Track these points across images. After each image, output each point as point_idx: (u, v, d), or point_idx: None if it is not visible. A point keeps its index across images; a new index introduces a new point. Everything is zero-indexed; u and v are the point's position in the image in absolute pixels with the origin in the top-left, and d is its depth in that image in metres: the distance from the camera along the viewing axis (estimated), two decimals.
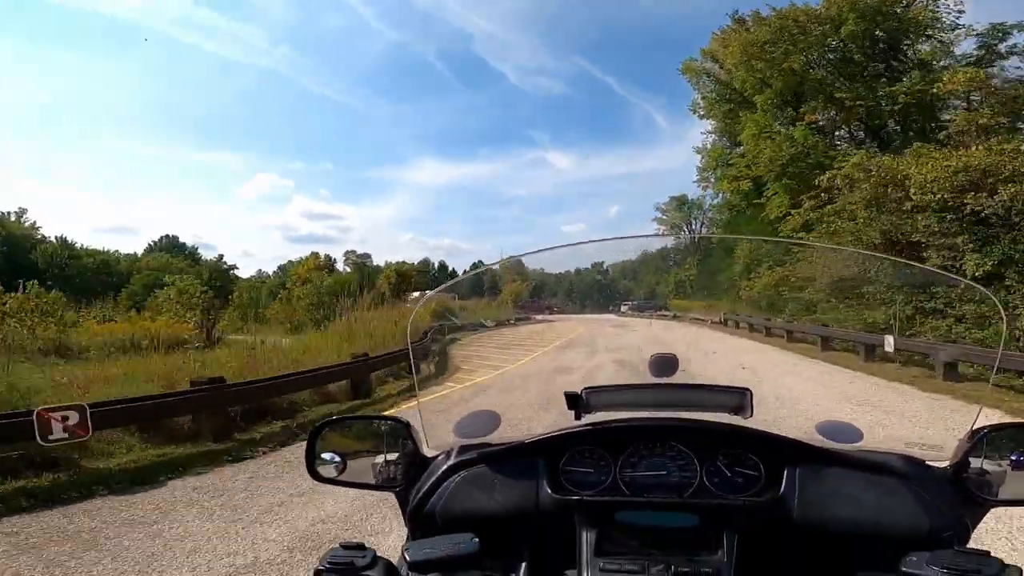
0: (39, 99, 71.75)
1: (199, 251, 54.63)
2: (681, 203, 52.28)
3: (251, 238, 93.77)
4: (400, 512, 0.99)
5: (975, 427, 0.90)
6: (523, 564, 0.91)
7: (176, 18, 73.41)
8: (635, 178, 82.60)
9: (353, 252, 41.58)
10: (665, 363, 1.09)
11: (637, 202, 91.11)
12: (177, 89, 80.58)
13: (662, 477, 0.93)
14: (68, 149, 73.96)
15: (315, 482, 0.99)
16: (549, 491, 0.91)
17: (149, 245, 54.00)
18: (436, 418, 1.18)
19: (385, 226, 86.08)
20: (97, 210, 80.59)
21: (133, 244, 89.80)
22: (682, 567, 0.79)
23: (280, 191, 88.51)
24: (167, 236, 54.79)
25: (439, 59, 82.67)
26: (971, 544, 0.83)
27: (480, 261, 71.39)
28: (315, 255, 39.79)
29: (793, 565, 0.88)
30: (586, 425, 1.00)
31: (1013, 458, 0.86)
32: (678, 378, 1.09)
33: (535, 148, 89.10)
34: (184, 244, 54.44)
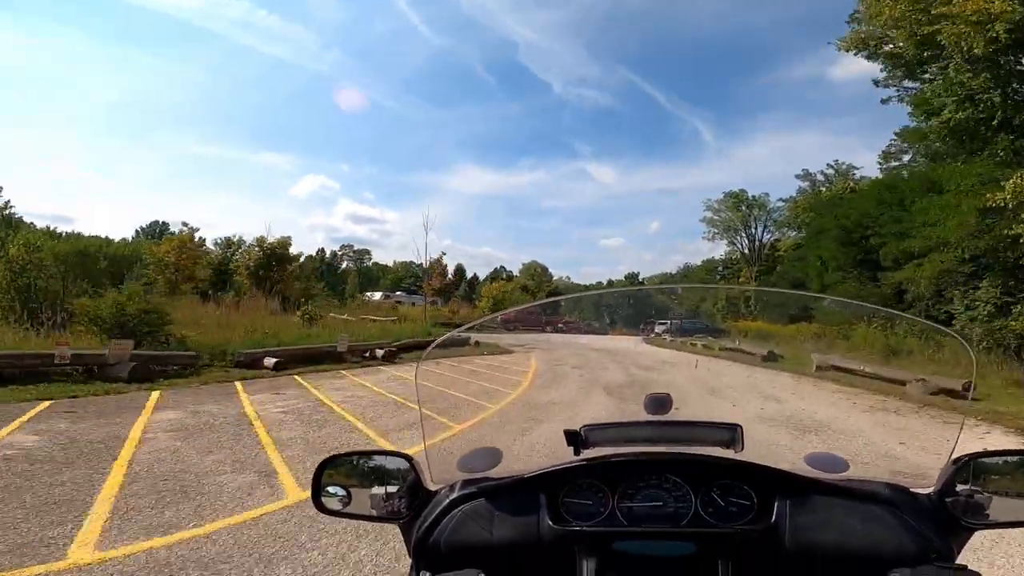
0: (107, 97, 76.01)
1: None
2: (738, 200, 45.70)
3: (298, 239, 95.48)
4: (404, 543, 1.02)
5: (954, 454, 0.94)
6: None
7: (236, 19, 76.47)
8: (677, 194, 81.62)
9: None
10: (660, 402, 1.12)
11: (678, 217, 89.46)
12: (232, 89, 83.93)
13: (659, 508, 0.96)
14: (128, 146, 77.35)
15: None
16: (550, 523, 0.95)
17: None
18: (439, 453, 1.19)
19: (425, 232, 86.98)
20: (147, 206, 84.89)
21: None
22: None
23: (327, 193, 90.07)
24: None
25: (483, 66, 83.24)
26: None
27: (501, 267, 70.54)
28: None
29: None
30: (585, 460, 1.02)
31: (996, 482, 0.88)
32: (672, 415, 1.11)
33: (576, 159, 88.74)
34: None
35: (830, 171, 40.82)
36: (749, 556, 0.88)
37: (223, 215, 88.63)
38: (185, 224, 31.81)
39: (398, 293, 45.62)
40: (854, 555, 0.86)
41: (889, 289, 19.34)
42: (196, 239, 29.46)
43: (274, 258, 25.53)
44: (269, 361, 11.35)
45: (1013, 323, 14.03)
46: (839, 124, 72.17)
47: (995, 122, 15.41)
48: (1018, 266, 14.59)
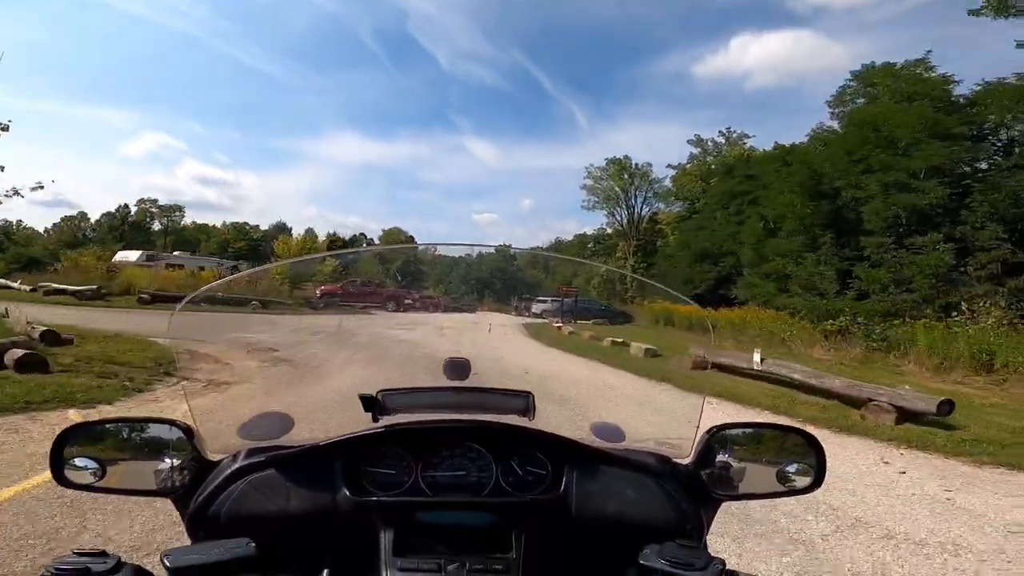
0: None
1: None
2: (621, 168, 41.71)
3: (130, 199, 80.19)
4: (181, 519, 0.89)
5: (700, 423, 1.04)
6: (324, 570, 0.87)
7: None
8: (551, 174, 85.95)
9: None
10: (459, 366, 1.11)
11: (551, 196, 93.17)
12: (71, 45, 72.46)
13: (462, 477, 0.94)
14: None
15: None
16: (347, 493, 0.89)
17: None
18: (215, 419, 1.08)
19: (290, 197, 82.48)
20: None
21: None
22: (476, 564, 0.80)
23: (169, 153, 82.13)
24: None
25: (370, 34, 79.91)
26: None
27: (361, 234, 66.79)
28: None
29: (575, 560, 0.91)
30: (384, 427, 0.97)
31: (741, 453, 0.96)
32: (471, 381, 1.11)
33: (457, 134, 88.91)
34: None
35: (720, 139, 38.79)
36: (541, 525, 0.89)
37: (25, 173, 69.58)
38: None
39: (176, 254, 34.88)
40: (627, 524, 0.90)
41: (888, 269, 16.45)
42: None
43: None
44: None
45: None
46: (699, 117, 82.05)
47: None
48: None
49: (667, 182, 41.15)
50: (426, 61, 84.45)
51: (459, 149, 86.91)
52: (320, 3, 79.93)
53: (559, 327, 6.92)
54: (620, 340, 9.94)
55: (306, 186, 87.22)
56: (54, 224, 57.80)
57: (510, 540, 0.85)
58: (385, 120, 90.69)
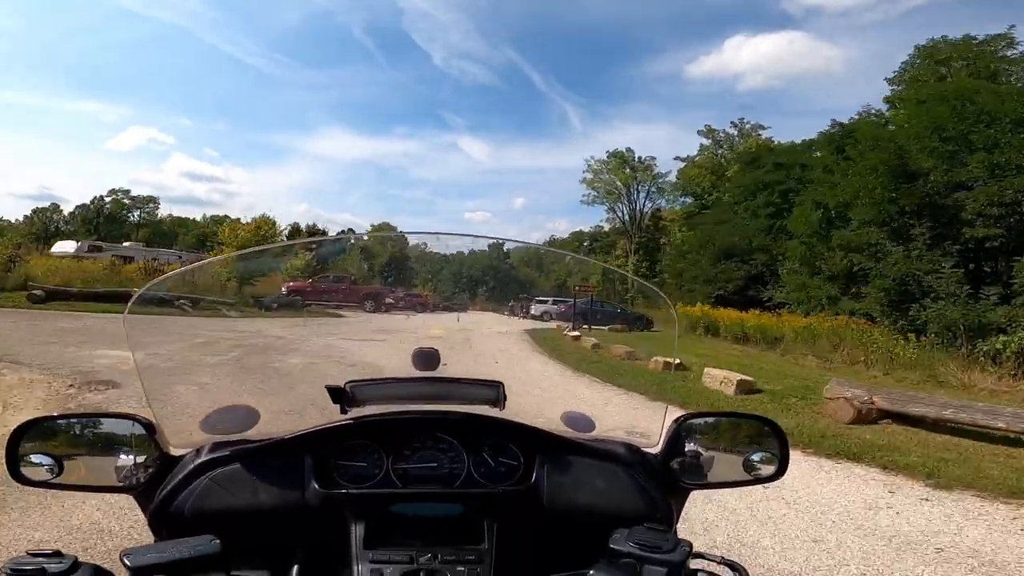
0: None
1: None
2: (623, 161, 38.92)
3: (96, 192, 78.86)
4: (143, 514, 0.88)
5: (667, 413, 1.03)
6: (295, 565, 0.85)
7: None
8: (543, 173, 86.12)
9: None
10: (428, 356, 1.10)
11: (543, 196, 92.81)
12: (57, 36, 70.04)
13: (434, 469, 0.93)
14: None
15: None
16: (317, 487, 0.87)
17: None
18: (176, 413, 1.06)
19: (280, 193, 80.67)
20: None
21: None
22: (448, 555, 0.80)
23: (158, 147, 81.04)
24: None
25: (364, 30, 77.48)
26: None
27: (350, 229, 65.65)
28: None
29: (547, 549, 0.91)
30: (352, 419, 0.96)
31: (707, 442, 0.98)
32: (440, 372, 1.10)
33: (450, 132, 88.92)
34: None
35: (732, 131, 36.50)
36: (513, 515, 0.89)
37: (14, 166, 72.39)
38: None
39: (126, 244, 31.91)
40: (597, 513, 0.91)
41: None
42: None
43: None
44: None
45: None
46: (692, 118, 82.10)
47: None
48: None
49: (671, 176, 38.81)
50: (420, 58, 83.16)
51: (452, 147, 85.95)
52: None
53: (574, 336, 5.77)
54: (676, 362, 7.18)
55: (297, 182, 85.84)
56: (24, 216, 55.77)
57: (482, 530, 0.85)
58: (378, 117, 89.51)
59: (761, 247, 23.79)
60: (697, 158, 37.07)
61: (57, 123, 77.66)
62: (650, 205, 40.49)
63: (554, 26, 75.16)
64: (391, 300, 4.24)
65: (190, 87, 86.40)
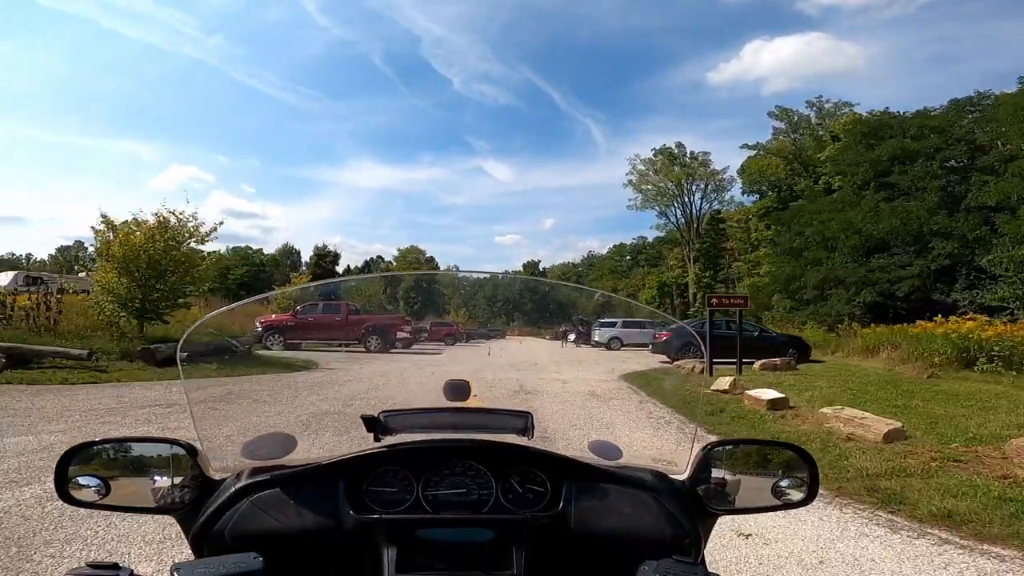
0: None
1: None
2: (672, 159, 34.46)
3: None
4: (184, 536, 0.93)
5: (695, 441, 1.04)
6: None
7: (100, 1, 67.65)
8: (571, 191, 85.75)
9: None
10: (459, 388, 1.15)
11: (570, 214, 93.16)
12: (91, 75, 75.87)
13: (462, 495, 0.96)
14: None
15: None
16: (350, 511, 0.91)
17: None
18: (218, 439, 1.13)
19: (315, 227, 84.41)
20: None
21: (21, 234, 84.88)
22: None
23: (198, 185, 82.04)
24: None
25: (383, 59, 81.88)
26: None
27: (379, 256, 64.91)
28: None
29: (575, 575, 0.93)
30: (385, 446, 1.01)
31: (737, 469, 0.98)
32: (471, 403, 1.14)
33: (475, 156, 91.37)
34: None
35: (808, 111, 32.28)
36: (541, 542, 0.90)
37: (68, 208, 78.83)
38: None
39: (82, 275, 26.32)
40: (625, 540, 0.91)
41: None
42: None
43: None
44: None
45: None
46: (714, 128, 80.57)
47: None
48: None
49: (731, 172, 33.95)
50: (440, 84, 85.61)
51: (477, 171, 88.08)
52: (331, 29, 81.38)
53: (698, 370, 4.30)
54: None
55: (329, 215, 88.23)
56: (48, 255, 59.69)
57: (510, 556, 0.86)
58: (403, 144, 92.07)
59: (942, 231, 17.51)
60: (770, 144, 32.26)
61: (103, 163, 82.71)
62: (707, 207, 35.89)
63: (569, 43, 76.56)
64: (407, 333, 3.46)
65: (223, 123, 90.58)
